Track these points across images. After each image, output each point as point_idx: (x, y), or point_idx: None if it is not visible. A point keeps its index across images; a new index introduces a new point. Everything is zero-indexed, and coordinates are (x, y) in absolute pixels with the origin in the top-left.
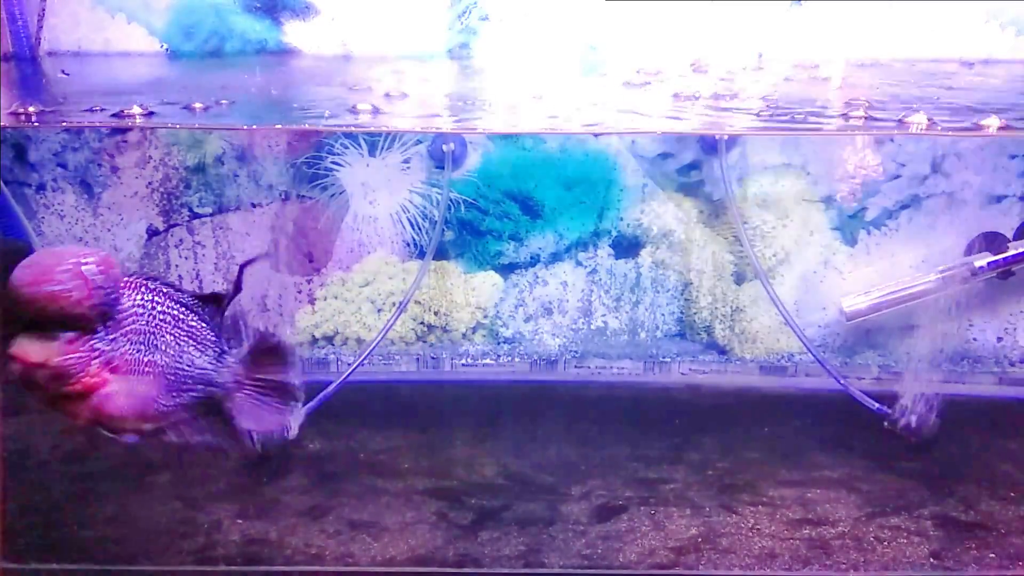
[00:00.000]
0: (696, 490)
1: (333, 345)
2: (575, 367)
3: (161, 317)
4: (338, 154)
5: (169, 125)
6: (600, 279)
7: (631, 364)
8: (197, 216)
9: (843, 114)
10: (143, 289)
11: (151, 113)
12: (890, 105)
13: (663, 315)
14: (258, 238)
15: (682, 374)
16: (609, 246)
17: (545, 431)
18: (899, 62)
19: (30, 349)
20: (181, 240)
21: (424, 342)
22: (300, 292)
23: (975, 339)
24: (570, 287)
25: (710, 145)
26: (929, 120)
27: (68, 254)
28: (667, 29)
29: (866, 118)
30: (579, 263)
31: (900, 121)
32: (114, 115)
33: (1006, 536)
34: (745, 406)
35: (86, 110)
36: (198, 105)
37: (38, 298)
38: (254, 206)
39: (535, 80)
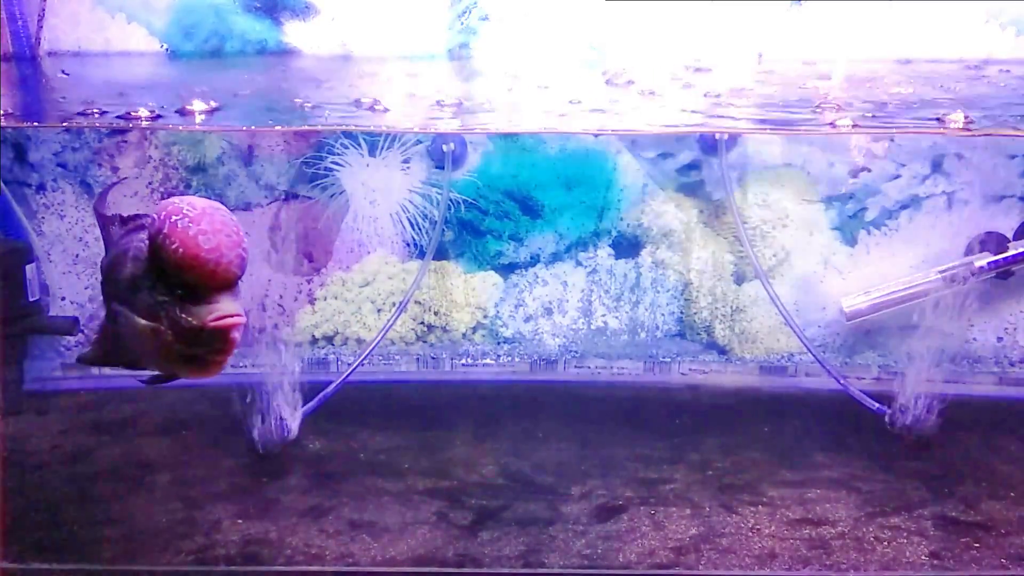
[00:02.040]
0: (696, 490)
1: (333, 345)
2: (575, 367)
3: None
4: (338, 154)
5: (169, 126)
6: (600, 279)
7: (631, 364)
8: None
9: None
10: None
11: (157, 116)
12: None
13: (663, 315)
14: (258, 237)
15: (682, 374)
16: (609, 246)
17: (545, 431)
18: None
19: (240, 310)
20: None
21: (424, 342)
22: (300, 292)
23: (975, 339)
24: (570, 287)
25: (710, 145)
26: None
27: (226, 211)
28: (667, 29)
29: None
30: (579, 263)
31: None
32: (120, 116)
33: (1006, 536)
34: (745, 406)
35: (55, 116)
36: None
37: (243, 259)
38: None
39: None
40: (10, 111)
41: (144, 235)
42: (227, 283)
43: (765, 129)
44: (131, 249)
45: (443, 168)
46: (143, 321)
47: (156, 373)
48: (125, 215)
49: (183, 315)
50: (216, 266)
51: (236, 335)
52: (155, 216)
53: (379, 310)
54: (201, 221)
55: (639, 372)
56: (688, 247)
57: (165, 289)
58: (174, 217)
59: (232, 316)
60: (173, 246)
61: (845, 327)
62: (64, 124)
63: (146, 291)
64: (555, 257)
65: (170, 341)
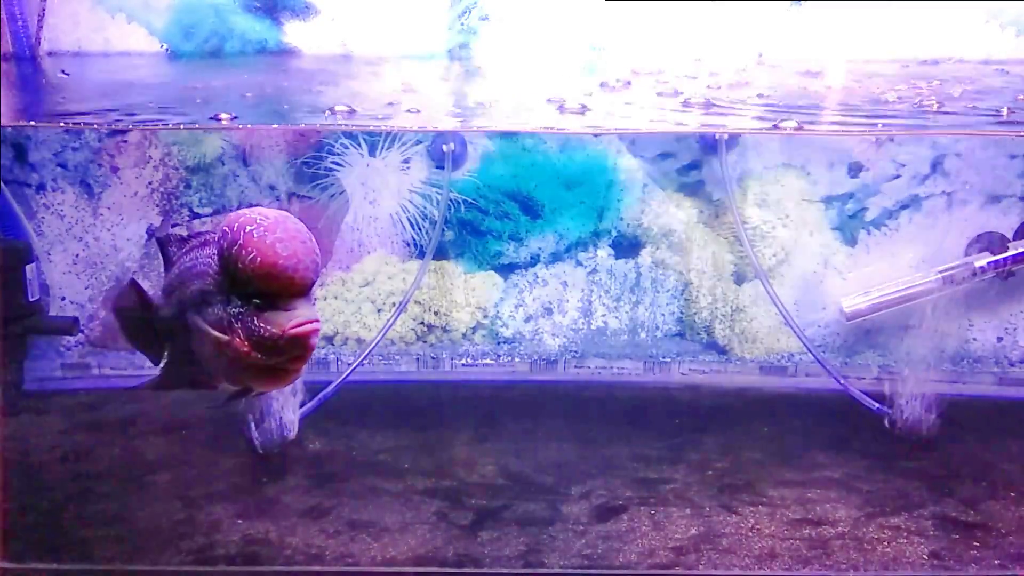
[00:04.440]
0: (696, 490)
1: (333, 345)
2: (575, 367)
3: None
4: (338, 154)
5: (170, 126)
6: (600, 279)
7: (631, 364)
8: (197, 216)
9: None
10: None
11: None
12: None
13: (663, 315)
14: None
15: (682, 374)
16: (609, 246)
17: (545, 431)
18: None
19: (317, 315)
20: None
21: (424, 342)
22: None
23: (975, 339)
24: (570, 287)
25: (710, 145)
26: None
27: (295, 219)
28: (667, 29)
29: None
30: (579, 263)
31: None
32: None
33: (1006, 536)
34: (745, 406)
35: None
36: None
37: (317, 264)
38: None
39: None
40: (10, 111)
41: (209, 251)
42: (304, 289)
43: (765, 129)
44: (196, 266)
45: (443, 168)
46: (217, 335)
47: (229, 393)
48: (183, 235)
49: (261, 324)
50: (294, 272)
51: (315, 341)
52: (225, 229)
53: (379, 310)
54: (276, 229)
55: (639, 372)
56: (688, 247)
57: (240, 301)
58: (248, 227)
59: (311, 322)
60: (250, 256)
61: (845, 327)
62: (64, 124)
63: (218, 305)
64: (555, 257)
65: (246, 353)
